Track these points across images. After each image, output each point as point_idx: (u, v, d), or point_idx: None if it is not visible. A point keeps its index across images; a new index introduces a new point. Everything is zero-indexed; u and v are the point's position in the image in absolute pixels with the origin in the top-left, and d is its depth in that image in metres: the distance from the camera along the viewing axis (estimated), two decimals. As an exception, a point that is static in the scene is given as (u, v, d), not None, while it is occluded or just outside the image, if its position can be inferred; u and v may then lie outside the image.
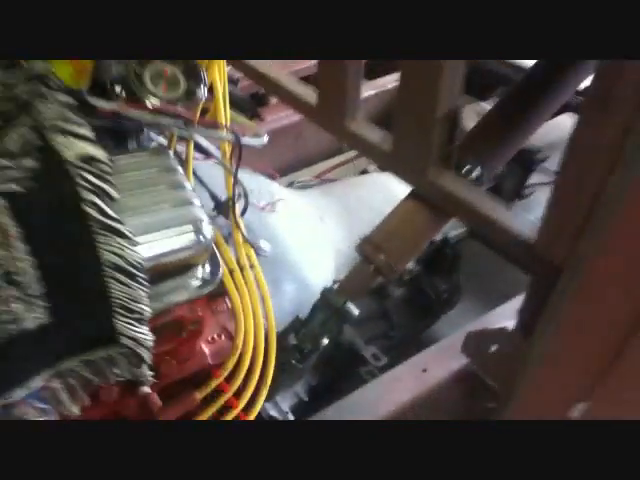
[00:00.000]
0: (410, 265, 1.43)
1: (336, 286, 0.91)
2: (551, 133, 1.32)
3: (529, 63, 1.71)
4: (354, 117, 0.99)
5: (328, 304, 0.89)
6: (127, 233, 0.60)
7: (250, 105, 1.49)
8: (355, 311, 0.90)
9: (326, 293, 0.90)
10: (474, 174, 0.88)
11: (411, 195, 0.93)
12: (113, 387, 0.77)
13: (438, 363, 1.01)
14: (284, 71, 1.19)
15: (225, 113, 0.88)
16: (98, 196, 0.58)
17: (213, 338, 0.92)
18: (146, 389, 0.79)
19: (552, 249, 0.70)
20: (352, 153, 1.95)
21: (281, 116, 1.83)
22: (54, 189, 0.56)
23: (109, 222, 0.58)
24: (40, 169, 0.55)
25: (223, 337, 0.92)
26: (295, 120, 1.85)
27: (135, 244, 0.60)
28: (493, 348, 0.86)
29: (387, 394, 0.97)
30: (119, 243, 0.59)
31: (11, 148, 0.54)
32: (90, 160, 0.57)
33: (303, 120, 1.85)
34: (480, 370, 0.92)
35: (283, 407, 1.08)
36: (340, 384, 1.22)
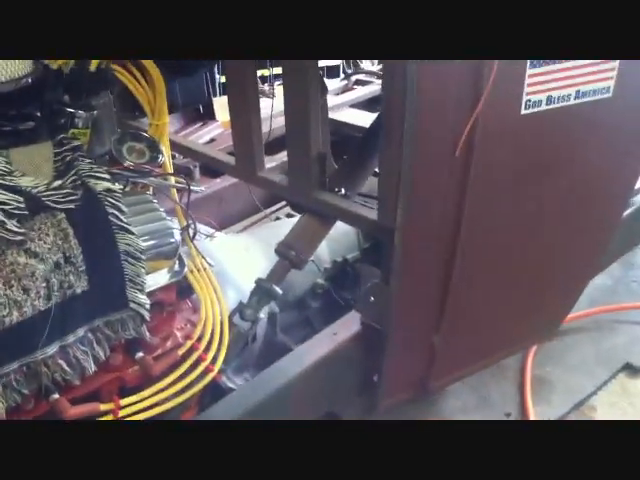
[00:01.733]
0: (321, 282, 1.87)
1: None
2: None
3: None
4: (262, 168, 1.47)
5: (261, 288, 1.32)
6: (134, 231, 1.01)
7: (186, 170, 1.96)
8: (279, 291, 1.33)
9: (259, 281, 1.33)
10: (341, 193, 1.36)
11: (306, 212, 1.40)
12: (119, 354, 1.14)
13: (344, 327, 1.44)
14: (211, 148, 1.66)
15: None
16: (116, 210, 0.99)
17: (181, 326, 1.30)
18: (141, 354, 1.16)
19: (386, 219, 1.18)
20: (267, 211, 2.41)
21: (205, 186, 2.27)
22: (92, 207, 0.97)
23: (123, 225, 1.00)
24: (83, 197, 0.97)
25: (188, 325, 1.31)
26: (217, 189, 2.29)
27: (139, 239, 1.02)
28: (372, 299, 1.31)
29: (310, 352, 1.38)
30: (129, 238, 1.00)
31: (67, 186, 0.95)
32: (110, 191, 1.00)
33: (223, 188, 2.31)
34: (367, 318, 1.36)
35: (238, 382, 1.46)
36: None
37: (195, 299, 1.34)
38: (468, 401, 1.96)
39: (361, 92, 2.94)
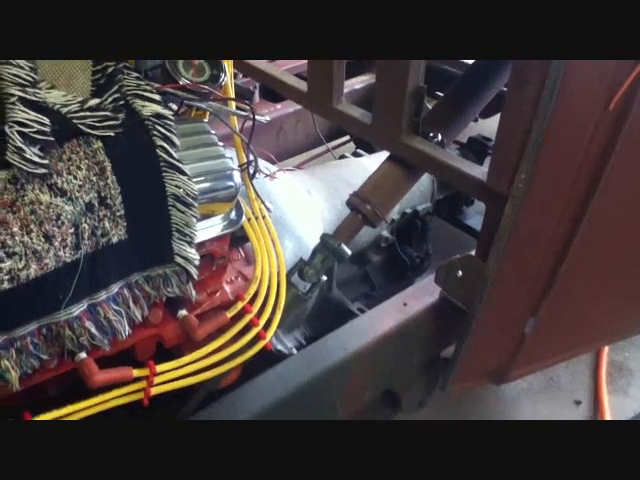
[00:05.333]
0: (386, 234, 1.65)
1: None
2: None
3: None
4: (339, 99, 1.22)
5: (326, 246, 1.11)
6: (186, 171, 0.80)
7: (248, 93, 1.71)
8: (348, 251, 1.12)
9: (325, 237, 1.12)
10: (437, 139, 1.11)
11: (389, 158, 1.16)
12: (159, 310, 0.96)
13: (416, 298, 1.23)
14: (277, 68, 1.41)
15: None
16: (166, 142, 0.78)
17: (232, 279, 1.12)
18: (184, 312, 0.98)
19: (498, 183, 0.94)
20: (330, 145, 2.17)
21: (265, 112, 2.04)
22: (136, 136, 0.76)
23: (174, 162, 0.78)
24: (126, 122, 0.75)
25: (240, 279, 1.12)
26: (277, 116, 2.06)
27: (191, 180, 0.81)
28: (459, 274, 1.09)
29: (375, 324, 1.19)
30: (180, 178, 0.79)
31: (107, 107, 0.74)
32: (160, 117, 0.78)
33: (284, 116, 2.08)
34: (451, 294, 1.15)
35: (288, 344, 1.29)
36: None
37: (248, 247, 1.15)
38: (535, 383, 1.76)
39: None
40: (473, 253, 1.07)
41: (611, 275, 1.14)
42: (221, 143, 0.92)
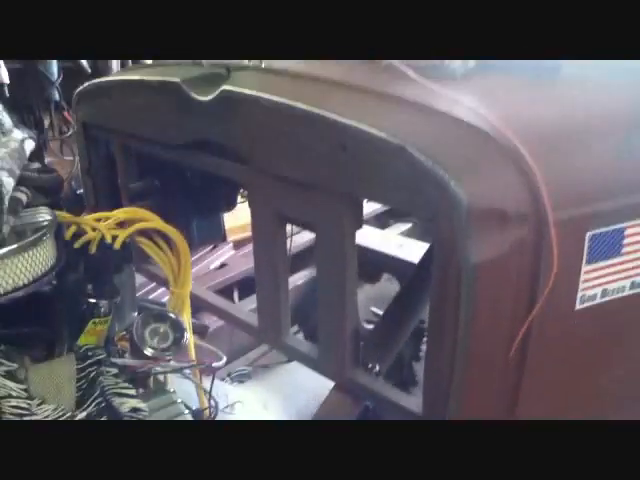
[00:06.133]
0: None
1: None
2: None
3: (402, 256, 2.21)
4: (287, 333, 1.38)
5: None
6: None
7: (203, 329, 1.89)
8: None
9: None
10: (375, 369, 1.27)
11: (335, 387, 1.30)
12: None
13: None
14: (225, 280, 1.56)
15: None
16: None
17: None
18: None
19: (433, 414, 1.07)
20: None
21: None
22: (116, 431, 0.88)
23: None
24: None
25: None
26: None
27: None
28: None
29: None
30: None
31: (92, 413, 0.86)
32: (136, 410, 0.90)
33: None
34: None
35: None
36: None
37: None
38: None
39: (371, 207, 2.90)
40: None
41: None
42: (186, 411, 1.04)
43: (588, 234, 1.00)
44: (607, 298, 1.06)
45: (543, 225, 0.95)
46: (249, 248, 2.30)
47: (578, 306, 1.04)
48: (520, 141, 0.95)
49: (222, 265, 2.36)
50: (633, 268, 1.07)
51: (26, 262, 0.89)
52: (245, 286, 2.29)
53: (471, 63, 1.14)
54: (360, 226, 1.18)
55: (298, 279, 2.44)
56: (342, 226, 1.15)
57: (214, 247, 2.45)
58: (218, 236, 1.91)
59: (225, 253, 2.43)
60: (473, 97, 1.04)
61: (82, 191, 1.73)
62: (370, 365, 1.27)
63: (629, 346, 1.16)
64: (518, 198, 0.94)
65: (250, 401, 1.58)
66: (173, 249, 1.28)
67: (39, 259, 0.92)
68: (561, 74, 1.21)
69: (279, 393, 1.70)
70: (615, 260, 1.05)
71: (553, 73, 1.19)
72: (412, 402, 1.16)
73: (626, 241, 1.05)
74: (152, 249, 1.24)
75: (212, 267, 2.34)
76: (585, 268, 1.02)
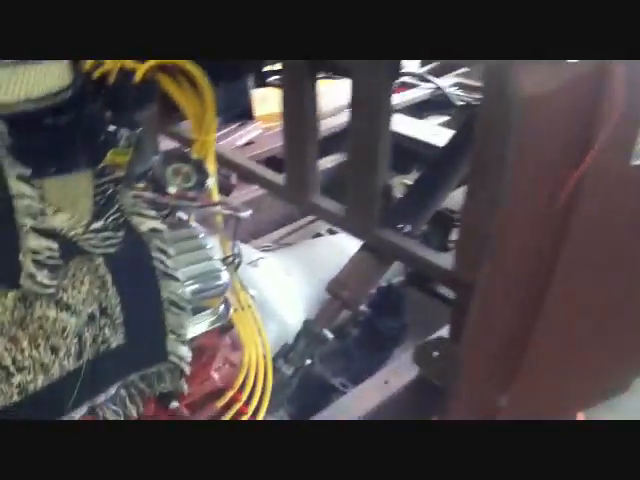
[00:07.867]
0: (363, 308, 1.73)
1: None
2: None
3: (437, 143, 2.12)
4: (314, 192, 1.32)
5: (309, 331, 1.18)
6: (179, 277, 0.87)
7: (228, 185, 1.83)
8: (330, 335, 1.19)
9: (307, 323, 1.19)
10: (406, 230, 1.21)
11: (363, 247, 1.26)
12: (151, 403, 1.01)
13: (397, 376, 1.30)
14: (251, 157, 1.52)
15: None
16: (161, 253, 0.86)
17: (219, 367, 1.17)
18: (175, 404, 1.03)
19: (463, 272, 1.03)
20: (304, 221, 2.27)
21: (242, 193, 2.15)
22: (134, 250, 0.83)
23: (169, 271, 0.86)
24: (125, 238, 0.83)
25: (227, 366, 1.18)
26: (253, 196, 2.16)
27: (184, 285, 0.88)
28: (435, 354, 1.16)
29: (358, 401, 1.24)
30: (174, 285, 0.87)
31: (106, 225, 0.82)
32: (156, 231, 0.86)
33: (261, 195, 2.18)
34: (428, 374, 1.22)
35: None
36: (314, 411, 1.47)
37: (234, 333, 1.21)
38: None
39: (406, 97, 2.76)
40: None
41: (576, 353, 1.23)
42: (209, 245, 1.00)
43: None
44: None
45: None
46: (277, 129, 2.22)
47: (634, 162, 0.95)
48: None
49: (248, 143, 2.27)
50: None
51: (38, 75, 0.81)
52: (271, 165, 2.23)
53: None
54: (397, 77, 1.08)
55: (328, 162, 2.37)
56: (379, 72, 1.06)
57: (242, 124, 2.36)
58: (245, 102, 1.81)
59: (252, 131, 2.33)
60: None
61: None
62: (400, 225, 1.21)
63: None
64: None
65: (273, 265, 1.56)
66: (197, 93, 1.19)
67: (54, 73, 0.85)
68: None
69: (303, 263, 1.67)
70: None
71: None
72: (442, 259, 1.11)
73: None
74: (173, 87, 1.16)
75: (238, 144, 2.26)
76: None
